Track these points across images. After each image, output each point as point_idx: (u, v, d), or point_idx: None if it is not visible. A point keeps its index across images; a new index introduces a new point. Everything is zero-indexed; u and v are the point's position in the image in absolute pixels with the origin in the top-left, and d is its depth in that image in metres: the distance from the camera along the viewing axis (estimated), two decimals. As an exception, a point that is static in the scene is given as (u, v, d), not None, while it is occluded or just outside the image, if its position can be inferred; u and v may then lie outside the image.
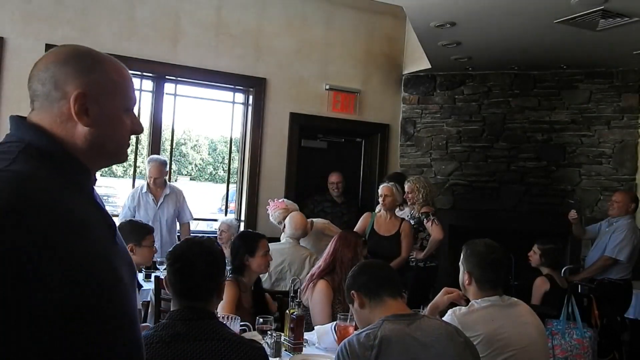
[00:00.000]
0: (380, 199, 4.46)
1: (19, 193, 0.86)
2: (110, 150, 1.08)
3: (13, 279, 0.81)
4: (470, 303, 2.18)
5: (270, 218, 4.36)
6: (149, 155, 4.97)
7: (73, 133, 1.01)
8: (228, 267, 3.12)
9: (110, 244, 1.01)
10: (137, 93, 4.88)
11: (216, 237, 4.57)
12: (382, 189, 4.49)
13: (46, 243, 0.85)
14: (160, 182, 4.59)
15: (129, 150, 1.15)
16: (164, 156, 4.93)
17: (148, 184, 4.58)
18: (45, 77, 1.01)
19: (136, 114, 1.15)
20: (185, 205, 4.72)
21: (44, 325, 0.84)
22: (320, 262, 3.14)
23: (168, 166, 4.80)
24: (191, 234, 4.75)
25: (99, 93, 1.03)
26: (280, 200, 4.38)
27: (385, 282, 1.90)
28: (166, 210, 4.56)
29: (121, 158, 1.12)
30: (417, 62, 5.75)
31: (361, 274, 1.95)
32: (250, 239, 2.92)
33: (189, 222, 4.79)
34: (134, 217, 4.30)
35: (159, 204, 4.53)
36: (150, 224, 3.41)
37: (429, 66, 5.57)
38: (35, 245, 0.84)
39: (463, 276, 2.25)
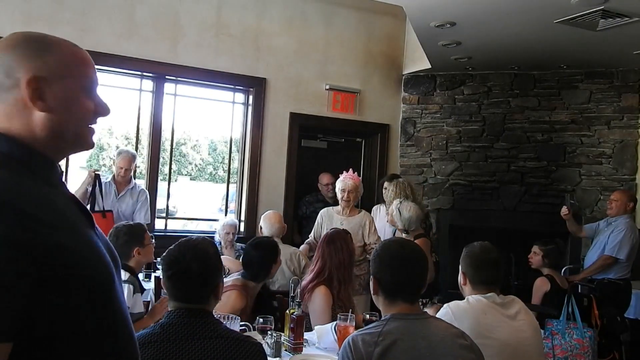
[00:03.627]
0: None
1: None
2: (71, 135, 1.00)
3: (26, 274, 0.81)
4: (466, 298, 2.22)
5: (338, 183, 4.28)
6: (149, 156, 4.98)
7: (30, 122, 0.95)
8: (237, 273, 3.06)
9: (94, 236, 0.99)
10: (136, 93, 4.92)
11: (212, 236, 4.54)
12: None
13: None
14: (127, 176, 4.48)
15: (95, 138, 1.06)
16: (164, 156, 4.89)
17: (114, 176, 4.49)
18: None
19: (100, 96, 1.05)
20: (144, 206, 4.54)
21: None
22: (312, 269, 3.01)
23: (136, 161, 4.66)
24: (189, 235, 4.70)
25: (53, 75, 0.97)
26: (357, 177, 4.33)
27: (404, 289, 1.81)
28: (124, 204, 4.46)
29: (85, 144, 1.03)
30: (417, 62, 5.75)
31: (386, 270, 1.81)
32: (274, 247, 2.96)
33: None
34: (94, 204, 4.29)
35: (119, 196, 4.45)
36: None
37: (429, 66, 5.57)
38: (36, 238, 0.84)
39: (460, 276, 2.29)
